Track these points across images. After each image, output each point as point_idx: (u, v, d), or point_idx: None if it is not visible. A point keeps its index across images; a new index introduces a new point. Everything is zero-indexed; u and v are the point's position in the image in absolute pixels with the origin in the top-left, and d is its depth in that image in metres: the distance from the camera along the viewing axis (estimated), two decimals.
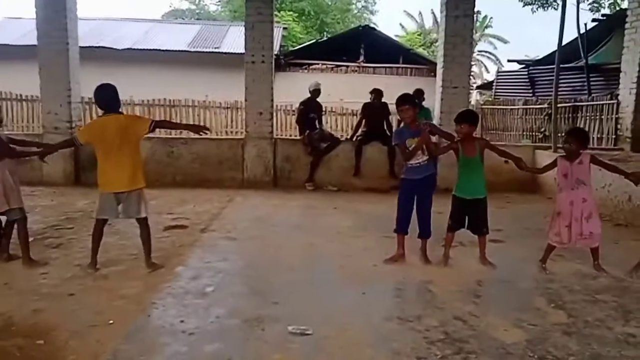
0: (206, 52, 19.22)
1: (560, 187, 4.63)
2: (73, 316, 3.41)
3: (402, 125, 4.91)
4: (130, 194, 4.31)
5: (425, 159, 4.70)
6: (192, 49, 19.40)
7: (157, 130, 4.47)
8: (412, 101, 4.71)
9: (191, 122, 16.23)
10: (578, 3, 14.20)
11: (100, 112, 4.45)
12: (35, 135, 9.23)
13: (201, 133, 4.66)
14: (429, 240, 4.87)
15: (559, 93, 10.41)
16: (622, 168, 4.80)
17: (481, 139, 4.80)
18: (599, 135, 11.61)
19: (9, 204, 4.41)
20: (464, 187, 4.71)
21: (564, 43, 9.95)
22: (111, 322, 3.32)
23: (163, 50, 18.75)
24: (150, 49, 18.79)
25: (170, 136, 9.45)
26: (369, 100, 9.41)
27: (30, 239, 4.64)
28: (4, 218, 4.59)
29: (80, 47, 9.45)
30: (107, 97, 4.35)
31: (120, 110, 4.43)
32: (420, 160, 4.70)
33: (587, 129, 11.97)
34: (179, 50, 19.01)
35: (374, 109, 9.29)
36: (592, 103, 12.21)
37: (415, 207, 4.80)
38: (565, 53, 11.20)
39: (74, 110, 9.20)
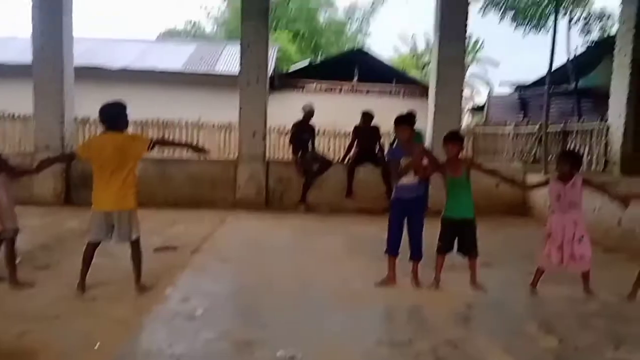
0: (200, 73, 19.31)
1: (552, 209, 4.65)
2: (60, 339, 3.36)
3: (396, 144, 4.94)
4: (120, 215, 4.26)
5: (417, 179, 4.73)
6: (187, 70, 19.49)
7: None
8: (410, 122, 4.81)
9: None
10: (569, 28, 14.46)
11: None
12: (27, 154, 9.19)
13: (200, 155, 4.60)
14: (421, 263, 4.86)
15: (550, 116, 10.52)
16: (611, 191, 4.81)
17: (466, 159, 4.85)
18: (588, 159, 11.69)
19: (4, 225, 4.37)
20: (452, 208, 4.74)
21: (555, 67, 10.11)
22: (98, 345, 3.27)
23: (157, 71, 18.83)
24: (144, 70, 18.86)
25: (162, 157, 9.45)
26: (359, 123, 9.43)
27: (18, 260, 4.58)
28: None
29: (75, 66, 9.49)
30: (110, 114, 4.32)
31: (124, 129, 4.38)
32: (411, 180, 4.72)
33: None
34: (173, 71, 19.10)
35: (364, 131, 9.31)
36: (582, 127, 12.34)
37: (406, 228, 4.81)
38: (556, 77, 11.36)
39: (67, 130, 9.18)
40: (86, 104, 12.22)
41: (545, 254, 4.62)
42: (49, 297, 4.14)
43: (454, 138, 4.75)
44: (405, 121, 4.78)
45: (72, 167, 8.68)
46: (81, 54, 15.12)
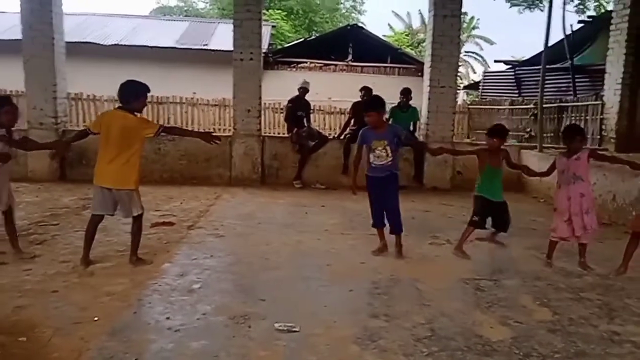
0: (194, 49, 19.10)
1: (558, 184, 4.77)
2: (57, 313, 3.36)
3: (367, 126, 4.98)
4: (120, 193, 4.25)
5: (390, 160, 4.82)
6: (180, 46, 19.27)
7: None
8: (377, 107, 4.88)
9: (179, 120, 16.16)
10: (564, 4, 14.35)
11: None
12: (21, 131, 9.10)
13: (212, 142, 4.63)
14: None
15: (545, 93, 10.50)
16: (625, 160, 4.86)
17: (504, 150, 5.08)
18: None
19: (12, 201, 4.47)
20: (488, 190, 5.00)
21: (550, 44, 10.03)
22: (96, 319, 3.28)
23: (150, 47, 18.61)
24: (137, 45, 18.64)
25: (163, 135, 9.36)
26: (357, 99, 9.41)
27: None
28: None
29: (66, 42, 9.36)
30: (123, 92, 4.28)
31: (135, 108, 4.30)
32: (385, 161, 4.82)
33: None
34: (166, 47, 18.88)
35: (363, 107, 9.28)
36: (577, 104, 12.34)
37: (383, 204, 4.93)
38: (552, 54, 11.29)
39: (60, 106, 9.10)
40: (78, 81, 12.14)
41: (552, 228, 4.77)
42: (45, 272, 4.13)
43: (498, 133, 4.98)
44: (373, 107, 4.88)
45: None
46: (72, 30, 14.93)
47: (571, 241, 4.75)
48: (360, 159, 5.06)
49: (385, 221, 4.96)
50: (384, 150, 4.78)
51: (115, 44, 18.49)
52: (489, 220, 5.09)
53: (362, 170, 5.05)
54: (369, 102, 5.03)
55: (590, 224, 4.59)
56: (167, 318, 3.33)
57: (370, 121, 4.84)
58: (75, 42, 14.91)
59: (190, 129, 14.79)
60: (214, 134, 4.69)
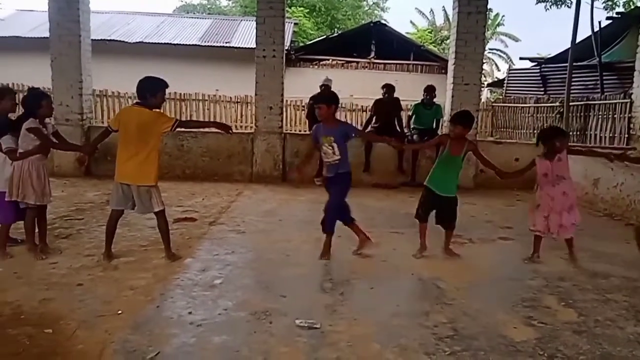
0: (217, 46, 19.24)
1: (540, 185, 4.71)
2: (82, 306, 3.42)
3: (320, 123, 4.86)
4: (139, 189, 4.28)
5: (337, 158, 4.68)
6: (203, 44, 19.43)
7: None
8: (327, 101, 4.71)
9: (202, 117, 16.29)
10: (592, 1, 14.05)
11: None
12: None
13: (225, 133, 4.65)
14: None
15: (572, 91, 10.31)
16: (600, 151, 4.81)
17: (471, 142, 4.80)
18: (611, 135, 11.50)
19: (50, 195, 4.54)
20: (437, 182, 4.72)
21: (577, 41, 9.85)
22: (120, 312, 3.33)
23: (174, 44, 18.80)
24: (161, 43, 18.85)
25: (180, 130, 9.44)
26: (379, 97, 9.36)
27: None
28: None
29: (92, 39, 9.50)
30: (140, 88, 4.30)
31: (152, 104, 4.30)
32: (331, 159, 4.70)
33: (599, 127, 11.89)
34: (190, 45, 19.05)
35: (385, 105, 9.24)
36: (604, 102, 12.11)
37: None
38: (579, 51, 11.09)
39: (85, 103, 9.25)
40: (103, 78, 12.31)
41: (532, 223, 4.73)
42: (71, 266, 4.21)
43: (461, 120, 4.67)
44: (321, 100, 4.74)
45: (91, 139, 8.75)
46: (97, 28, 15.14)
47: (546, 236, 4.72)
48: (312, 152, 5.00)
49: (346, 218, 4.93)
50: (330, 147, 4.63)
51: (139, 42, 18.73)
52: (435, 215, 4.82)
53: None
54: (319, 94, 4.90)
55: (570, 220, 4.60)
56: (189, 313, 3.36)
57: (319, 114, 4.72)
58: (100, 39, 15.17)
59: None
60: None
